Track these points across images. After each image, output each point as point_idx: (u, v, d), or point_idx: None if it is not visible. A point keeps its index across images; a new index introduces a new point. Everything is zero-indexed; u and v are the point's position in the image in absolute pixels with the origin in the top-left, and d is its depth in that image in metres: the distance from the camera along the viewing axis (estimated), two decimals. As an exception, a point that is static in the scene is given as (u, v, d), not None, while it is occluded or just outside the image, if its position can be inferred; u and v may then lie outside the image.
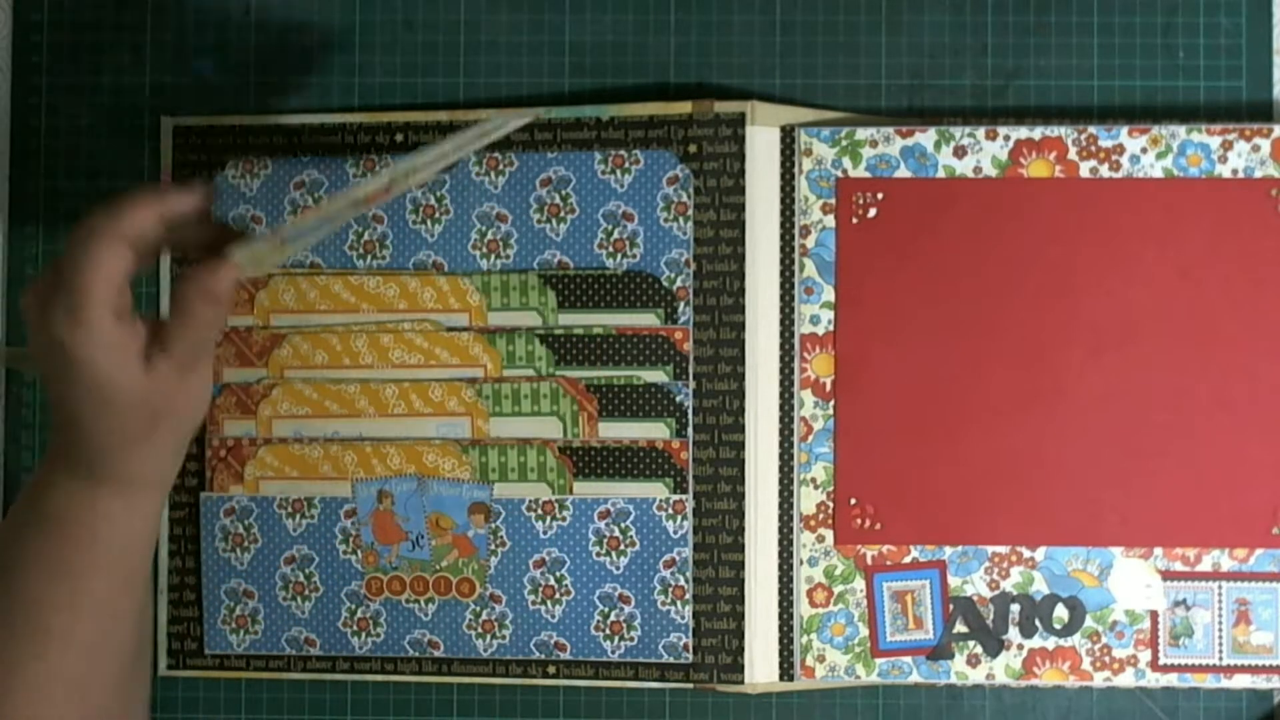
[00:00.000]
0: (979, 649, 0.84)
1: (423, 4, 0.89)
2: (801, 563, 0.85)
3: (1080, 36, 0.88)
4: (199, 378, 0.70)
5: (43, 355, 0.67)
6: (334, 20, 0.88)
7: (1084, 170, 0.83)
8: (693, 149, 0.85)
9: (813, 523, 0.85)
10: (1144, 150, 0.83)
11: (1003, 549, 0.84)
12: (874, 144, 0.84)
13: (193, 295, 0.68)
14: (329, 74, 0.88)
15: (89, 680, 0.70)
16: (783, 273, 0.85)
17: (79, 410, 0.68)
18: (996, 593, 0.84)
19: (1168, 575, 0.83)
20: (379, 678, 0.87)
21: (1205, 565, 0.83)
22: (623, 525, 0.85)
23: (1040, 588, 0.84)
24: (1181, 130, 0.83)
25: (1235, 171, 0.83)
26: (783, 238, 0.85)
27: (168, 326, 0.68)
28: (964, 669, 0.84)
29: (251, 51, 0.90)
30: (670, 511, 0.85)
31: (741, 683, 0.85)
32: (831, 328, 0.85)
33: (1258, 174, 0.83)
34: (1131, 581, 0.84)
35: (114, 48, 0.90)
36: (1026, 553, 0.84)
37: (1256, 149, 0.83)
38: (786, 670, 0.85)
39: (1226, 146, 0.83)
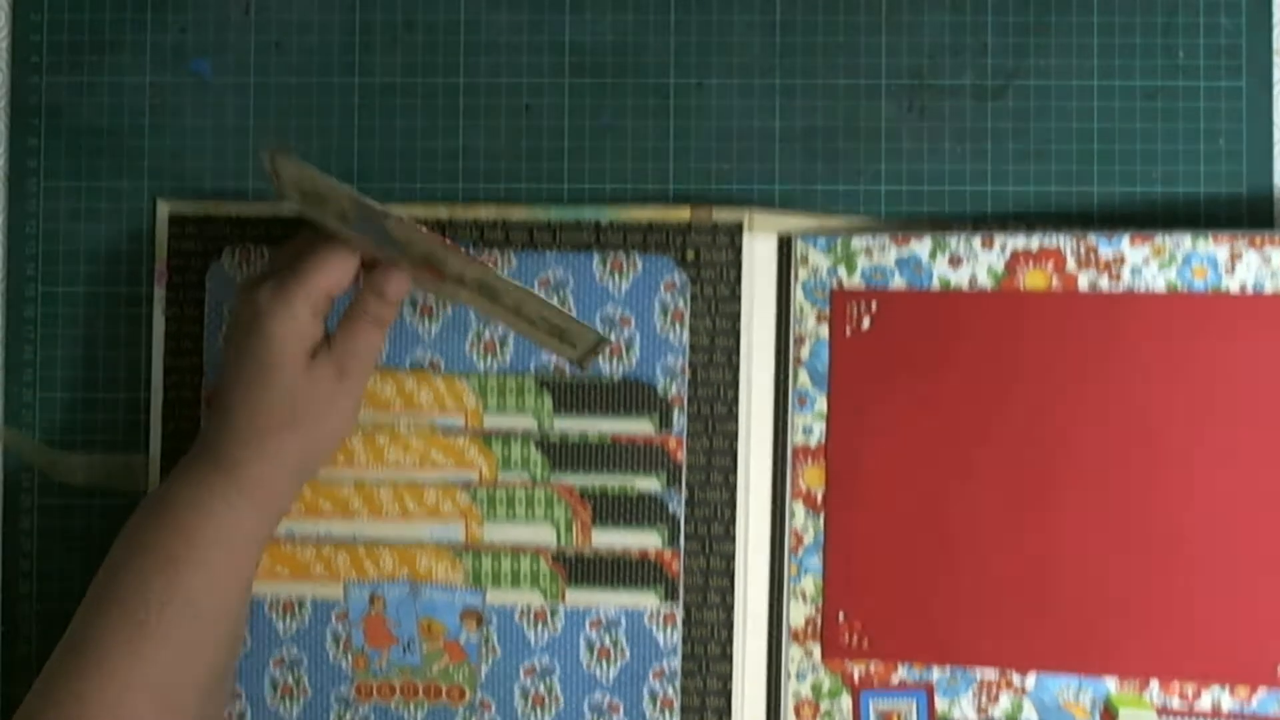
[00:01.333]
0: (970, 774, 0.82)
1: (422, 4, 0.89)
2: (789, 677, 0.83)
3: (1080, 36, 0.86)
4: (347, 395, 0.77)
5: (235, 327, 0.77)
6: (334, 20, 0.89)
7: (1083, 282, 0.81)
8: (690, 255, 0.84)
9: (801, 636, 0.83)
10: (1146, 261, 0.80)
11: (992, 674, 0.81)
12: (869, 253, 0.82)
13: (365, 293, 0.77)
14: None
15: (176, 682, 0.73)
16: (777, 383, 0.84)
17: (235, 390, 0.76)
18: (984, 719, 0.81)
19: (1164, 712, 0.80)
20: (369, 781, 0.86)
21: (1205, 703, 0.80)
22: (614, 635, 0.84)
23: (1030, 715, 0.81)
24: (1187, 240, 0.80)
25: (1243, 285, 0.80)
26: (778, 347, 0.84)
27: (336, 333, 0.77)
28: (954, 794, 0.82)
29: (251, 52, 0.89)
30: (660, 622, 0.84)
31: (730, 796, 0.84)
32: (824, 439, 0.83)
33: (1267, 288, 0.79)
34: (1125, 716, 0.80)
35: (114, 48, 0.90)
36: (1016, 679, 0.81)
37: (1267, 261, 0.79)
38: (774, 784, 0.83)
39: (1235, 257, 0.80)
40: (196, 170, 0.90)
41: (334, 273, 0.76)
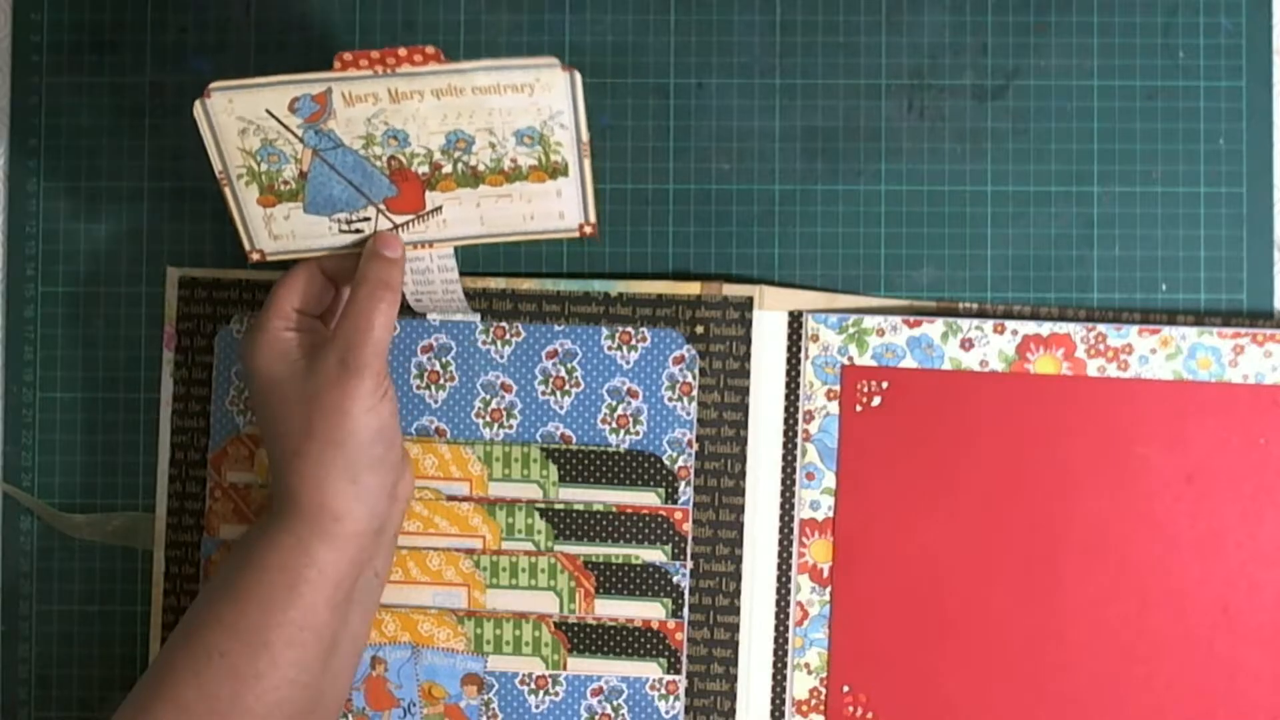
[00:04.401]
0: (969, 843, 0.83)
1: (422, 4, 0.89)
2: (793, 749, 0.84)
3: (1080, 36, 0.87)
4: (358, 384, 0.74)
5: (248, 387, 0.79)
6: (334, 20, 0.88)
7: (1091, 369, 0.82)
8: (700, 329, 0.85)
9: (805, 708, 0.84)
10: (1153, 351, 0.82)
11: (996, 746, 0.83)
12: (881, 333, 0.83)
13: (364, 261, 0.77)
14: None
15: (241, 712, 0.73)
16: (784, 457, 0.84)
17: (263, 434, 0.77)
18: (988, 792, 0.83)
19: (1162, 786, 0.82)
20: (367, 841, 0.86)
21: (1202, 777, 0.82)
22: (615, 703, 0.85)
23: (1032, 792, 0.83)
24: (1193, 333, 0.82)
25: (1245, 377, 0.82)
26: (786, 422, 0.84)
27: (336, 323, 0.76)
28: None
29: (251, 51, 0.89)
30: (663, 691, 0.85)
31: None
32: (831, 514, 0.84)
33: (1268, 380, 0.82)
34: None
35: (114, 48, 0.89)
36: (1021, 753, 0.83)
37: (1268, 354, 0.82)
38: None
39: (1238, 351, 0.82)
40: (197, 170, 0.89)
41: (296, 285, 0.78)
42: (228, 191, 0.78)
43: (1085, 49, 0.87)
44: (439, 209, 0.79)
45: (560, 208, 0.79)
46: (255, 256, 0.80)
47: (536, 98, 0.75)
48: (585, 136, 0.77)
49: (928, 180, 0.88)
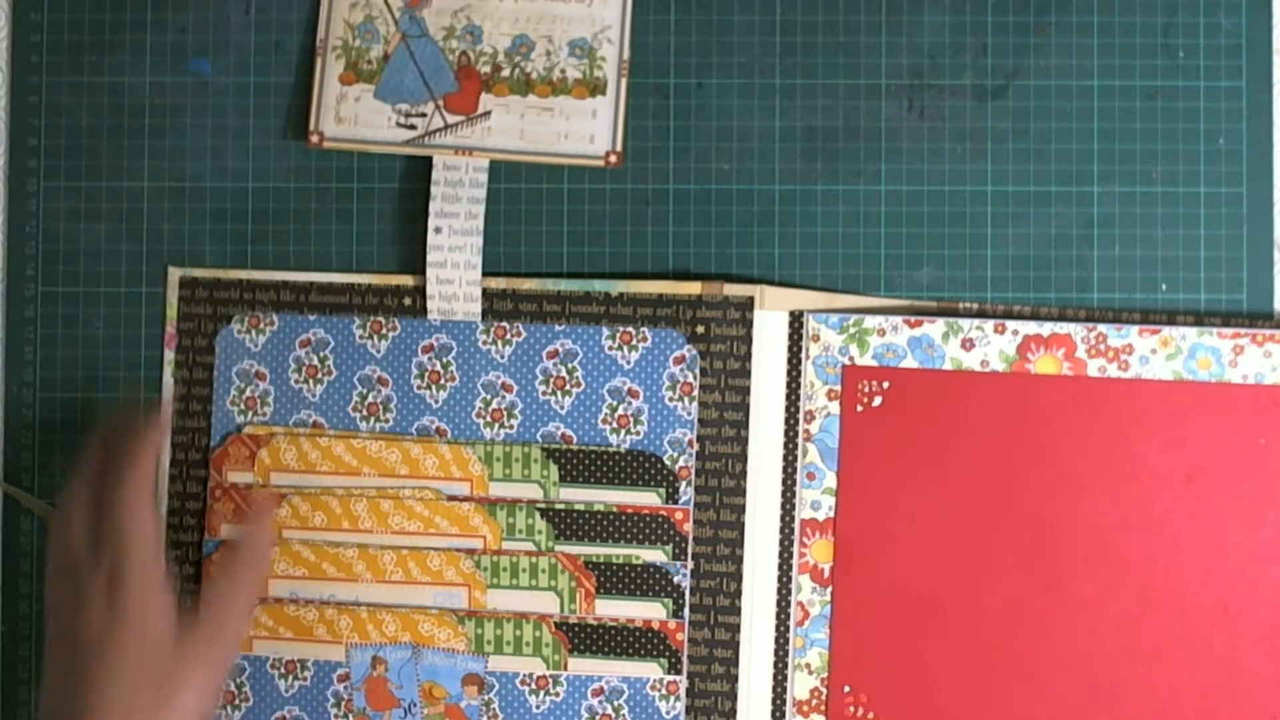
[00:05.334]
0: (970, 843, 0.83)
1: None
2: (794, 749, 0.84)
3: (1080, 36, 0.87)
4: (215, 674, 0.74)
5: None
6: None
7: (1092, 369, 0.83)
8: (700, 329, 0.85)
9: (806, 708, 0.84)
10: (1153, 351, 0.82)
11: (997, 745, 0.83)
12: (882, 333, 0.84)
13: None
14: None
15: None
16: (785, 457, 0.85)
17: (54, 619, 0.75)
18: (989, 791, 0.83)
19: (1162, 784, 0.82)
20: (367, 841, 0.86)
21: (1204, 777, 0.82)
22: (615, 703, 0.85)
23: (1033, 791, 0.83)
24: (1193, 333, 0.82)
25: (1245, 377, 0.82)
26: (787, 422, 0.85)
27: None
28: None
29: (251, 51, 0.89)
30: (664, 691, 0.85)
31: None
32: (832, 514, 0.84)
33: (1268, 380, 0.82)
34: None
35: (114, 48, 0.89)
36: (1021, 753, 0.83)
37: (1268, 355, 0.82)
38: None
39: (1238, 351, 0.82)
40: (197, 171, 0.89)
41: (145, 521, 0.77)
42: (319, 62, 0.83)
43: (1085, 49, 0.87)
44: (488, 114, 0.82)
45: (593, 130, 0.83)
46: (314, 139, 0.84)
47: (594, 9, 0.82)
48: (626, 55, 0.82)
49: (928, 180, 0.88)
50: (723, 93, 0.89)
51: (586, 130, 0.82)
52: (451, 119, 0.82)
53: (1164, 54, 0.87)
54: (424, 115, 0.82)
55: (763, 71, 0.88)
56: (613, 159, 0.81)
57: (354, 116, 0.83)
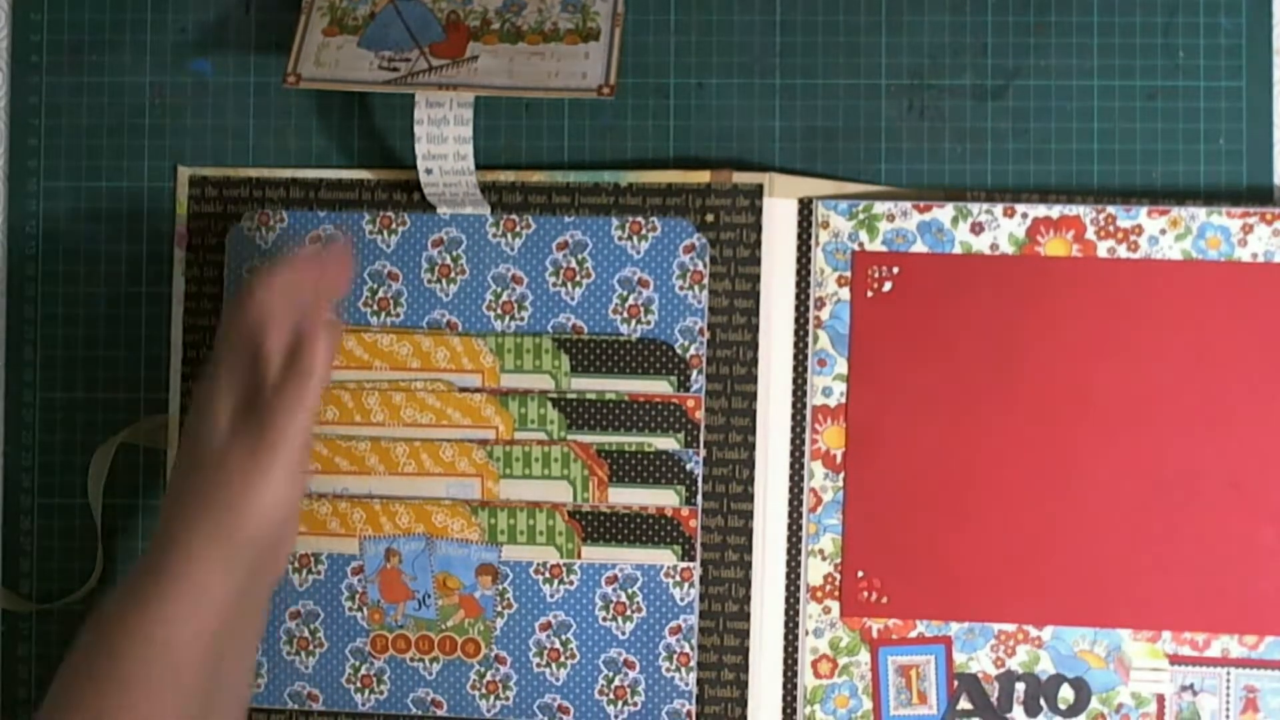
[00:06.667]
0: (983, 725, 0.84)
1: None
2: (807, 633, 0.84)
3: (1080, 36, 0.87)
4: (271, 480, 0.72)
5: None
6: None
7: (1102, 250, 0.83)
8: (710, 218, 0.85)
9: (819, 594, 0.84)
10: (1163, 231, 0.83)
11: (1010, 627, 0.83)
12: (891, 218, 0.84)
13: (290, 371, 0.73)
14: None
15: None
16: (796, 344, 0.85)
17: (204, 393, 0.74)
18: (1002, 670, 0.84)
19: (1176, 659, 0.83)
20: (382, 734, 0.87)
21: (1214, 650, 0.83)
22: (630, 591, 0.85)
23: (1046, 667, 0.83)
24: (1202, 212, 0.82)
25: (1255, 255, 0.82)
26: (797, 309, 0.85)
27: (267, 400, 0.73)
28: (968, 745, 0.84)
29: (251, 52, 0.89)
30: (677, 579, 0.85)
31: (744, 750, 0.85)
32: (844, 400, 0.84)
33: (1277, 258, 0.82)
34: (1139, 664, 0.83)
35: (114, 48, 0.90)
36: (1034, 631, 0.83)
37: (1277, 233, 0.82)
38: (790, 739, 0.85)
39: (1247, 230, 0.82)
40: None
41: (290, 274, 0.76)
42: (302, 19, 0.82)
43: (1085, 49, 0.88)
44: (475, 58, 0.80)
45: (585, 69, 0.80)
46: (291, 80, 0.81)
47: None
48: (620, 9, 0.80)
49: (928, 180, 0.88)
50: (723, 93, 0.89)
51: (578, 69, 0.79)
52: (437, 62, 0.81)
53: (1164, 54, 0.87)
54: (407, 60, 0.81)
55: (763, 71, 0.89)
56: (605, 90, 0.80)
57: (334, 61, 0.80)
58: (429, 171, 0.82)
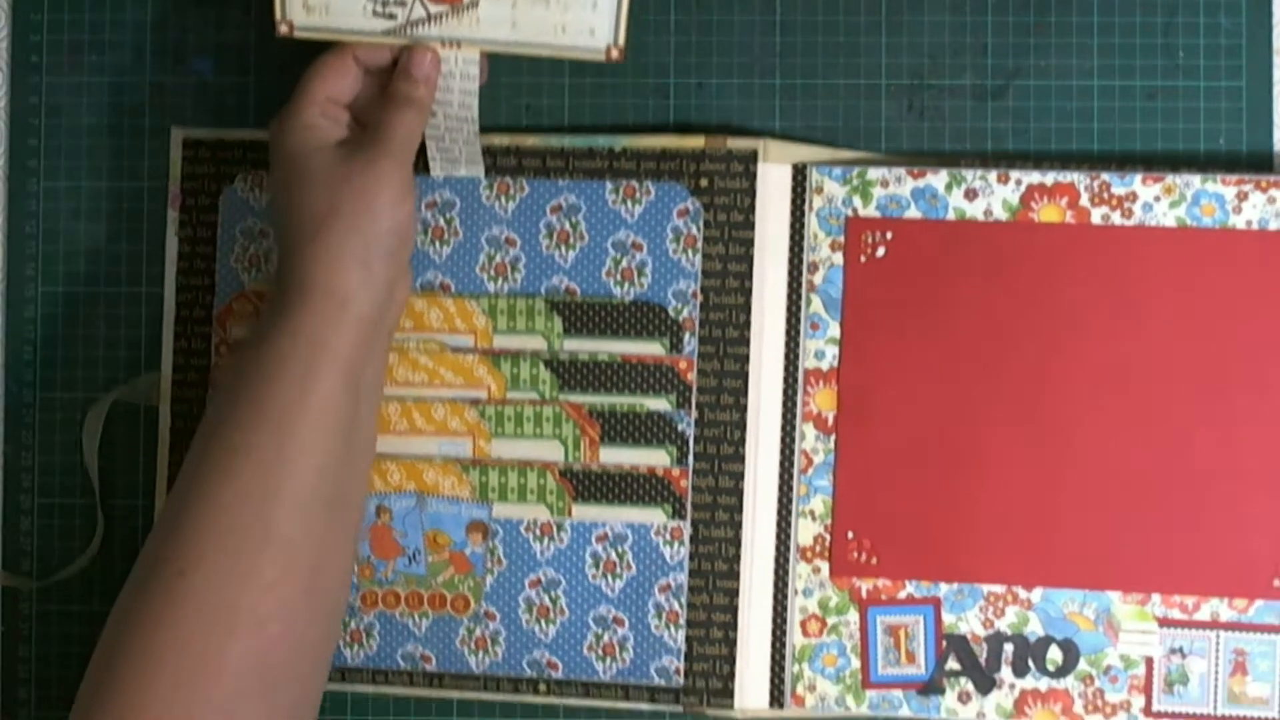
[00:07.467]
0: (970, 686, 0.85)
1: None
2: (796, 593, 0.85)
3: (1080, 36, 0.87)
4: (384, 177, 0.76)
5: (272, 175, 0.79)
6: None
7: (1095, 217, 0.83)
8: (704, 183, 0.85)
9: (809, 554, 0.85)
10: (1157, 199, 0.83)
11: (999, 588, 0.84)
12: (885, 184, 0.84)
13: (394, 78, 0.78)
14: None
15: (269, 499, 0.74)
16: (789, 307, 0.85)
17: (279, 220, 0.78)
18: (991, 631, 0.84)
19: (1165, 622, 0.83)
20: (370, 689, 0.87)
21: (1204, 614, 0.83)
22: (620, 549, 0.86)
23: (1035, 628, 0.84)
24: (1196, 180, 0.83)
25: (1249, 223, 0.83)
26: (790, 273, 0.85)
27: (373, 120, 0.78)
28: (955, 705, 0.85)
29: (251, 51, 0.89)
30: (667, 537, 0.85)
31: (731, 708, 0.86)
32: (836, 364, 0.85)
33: (1272, 226, 0.82)
34: (1128, 627, 0.83)
35: (114, 48, 0.90)
36: (1023, 593, 0.84)
37: (1272, 200, 0.82)
38: (777, 698, 0.85)
39: (1241, 198, 0.82)
40: None
41: (330, 75, 0.78)
42: None
43: (1085, 49, 0.87)
44: (475, 4, 0.79)
45: (593, 22, 0.79)
46: (284, 29, 0.80)
47: None
48: None
49: None
50: (723, 93, 0.89)
51: (586, 22, 0.78)
52: (435, 9, 0.80)
53: (1164, 54, 0.87)
54: (404, 4, 0.80)
55: (763, 71, 0.88)
56: (614, 54, 0.80)
57: (325, 6, 0.78)
58: (434, 127, 0.82)
